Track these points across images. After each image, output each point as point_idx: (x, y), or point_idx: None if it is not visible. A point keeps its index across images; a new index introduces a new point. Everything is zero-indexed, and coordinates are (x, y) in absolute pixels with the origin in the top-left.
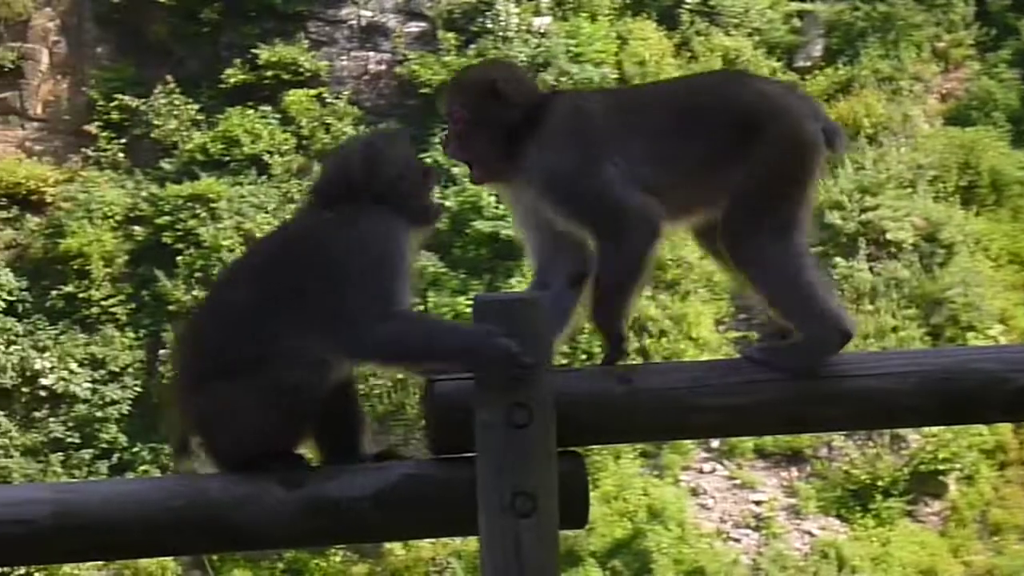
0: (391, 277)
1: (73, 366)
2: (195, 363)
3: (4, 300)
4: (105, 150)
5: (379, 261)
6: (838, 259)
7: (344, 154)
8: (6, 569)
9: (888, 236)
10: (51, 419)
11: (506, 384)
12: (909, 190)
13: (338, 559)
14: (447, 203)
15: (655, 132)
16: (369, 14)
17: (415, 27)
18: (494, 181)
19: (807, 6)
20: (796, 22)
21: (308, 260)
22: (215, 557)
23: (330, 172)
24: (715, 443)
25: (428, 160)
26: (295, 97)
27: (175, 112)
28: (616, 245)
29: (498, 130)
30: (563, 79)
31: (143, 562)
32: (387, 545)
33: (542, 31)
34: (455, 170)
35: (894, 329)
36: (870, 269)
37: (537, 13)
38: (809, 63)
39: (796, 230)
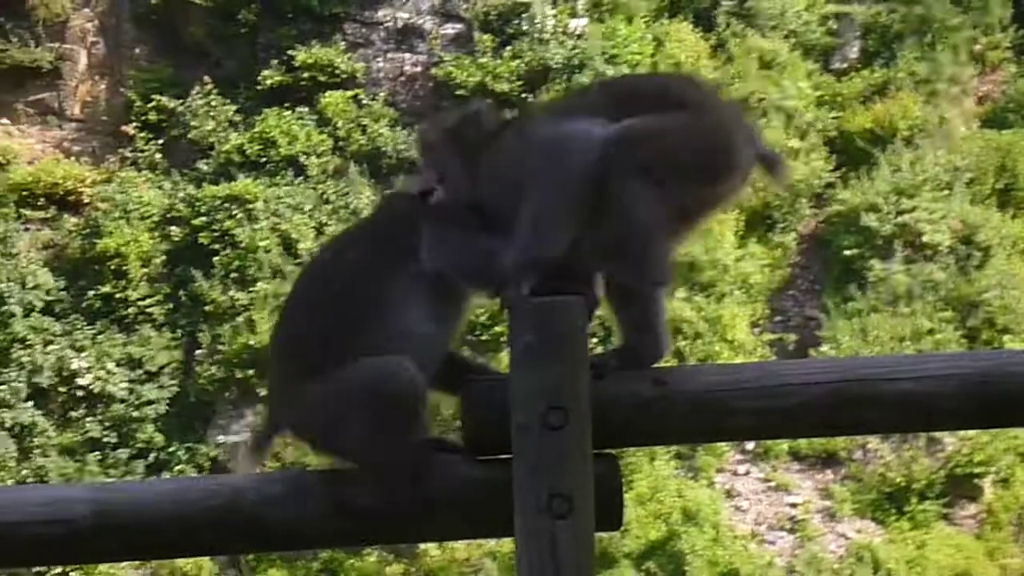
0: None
1: (110, 366)
2: (302, 351)
3: (42, 300)
4: (142, 151)
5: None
6: (874, 261)
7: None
8: (43, 568)
9: (924, 238)
10: (88, 419)
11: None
12: (945, 192)
13: (373, 559)
14: None
15: (592, 104)
16: (405, 16)
17: (451, 29)
18: None
19: (844, 8)
20: (832, 24)
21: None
22: (251, 557)
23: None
24: (750, 445)
25: None
26: (331, 99)
27: (212, 113)
28: (551, 165)
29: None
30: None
31: (179, 562)
32: (422, 546)
33: (578, 33)
34: None
35: (930, 331)
36: (906, 271)
37: (573, 15)
38: (845, 65)
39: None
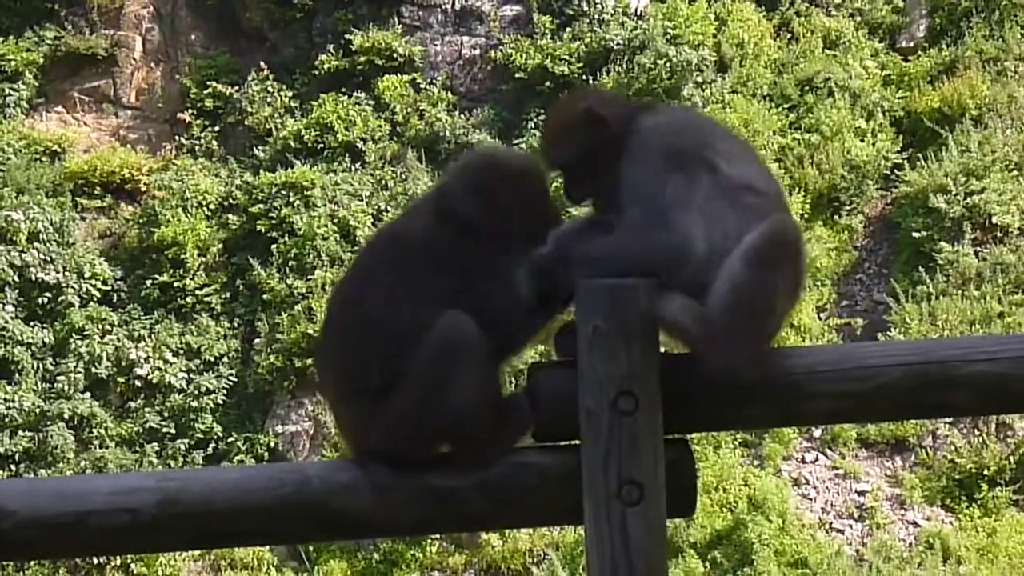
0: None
1: (168, 356)
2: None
3: (99, 290)
4: (199, 138)
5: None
6: (943, 243)
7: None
8: (103, 559)
9: (994, 220)
10: (146, 409)
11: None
12: (1015, 173)
13: (434, 549)
14: None
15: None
16: None
17: (510, 11)
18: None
19: None
20: (899, 2)
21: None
22: (311, 548)
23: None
24: (817, 432)
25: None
26: (389, 83)
27: (269, 99)
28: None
29: (599, 157)
30: (660, 62)
31: (239, 552)
32: (484, 536)
33: (639, 13)
34: None
35: (1000, 315)
36: (975, 254)
37: None
38: (912, 44)
39: None
